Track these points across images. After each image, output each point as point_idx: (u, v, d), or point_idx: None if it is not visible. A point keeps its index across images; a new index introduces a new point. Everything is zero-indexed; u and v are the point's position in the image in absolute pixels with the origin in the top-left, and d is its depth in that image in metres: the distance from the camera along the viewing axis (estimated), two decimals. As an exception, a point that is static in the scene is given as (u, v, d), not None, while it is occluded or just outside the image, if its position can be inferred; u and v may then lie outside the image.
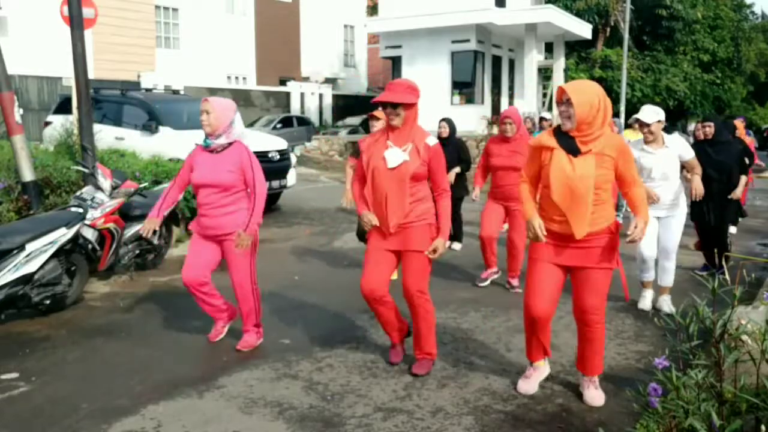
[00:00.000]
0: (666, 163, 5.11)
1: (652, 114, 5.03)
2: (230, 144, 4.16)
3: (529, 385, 3.72)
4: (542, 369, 3.81)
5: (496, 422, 3.34)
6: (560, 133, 3.35)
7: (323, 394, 3.67)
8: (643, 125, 5.06)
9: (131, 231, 6.14)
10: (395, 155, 3.70)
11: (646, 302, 5.42)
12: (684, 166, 5.35)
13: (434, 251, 3.71)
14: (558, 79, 23.35)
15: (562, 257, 3.44)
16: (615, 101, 24.74)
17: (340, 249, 7.74)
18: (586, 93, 3.24)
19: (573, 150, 3.29)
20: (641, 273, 5.48)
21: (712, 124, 6.49)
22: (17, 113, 6.26)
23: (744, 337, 2.69)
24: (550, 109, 23.29)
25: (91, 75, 6.87)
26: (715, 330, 2.47)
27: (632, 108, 24.65)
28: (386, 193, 3.71)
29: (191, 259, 4.30)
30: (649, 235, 5.27)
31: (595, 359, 3.58)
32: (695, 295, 2.64)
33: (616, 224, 3.41)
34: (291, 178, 10.38)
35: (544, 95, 24.66)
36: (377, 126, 6.01)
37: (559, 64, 23.41)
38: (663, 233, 5.26)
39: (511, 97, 23.41)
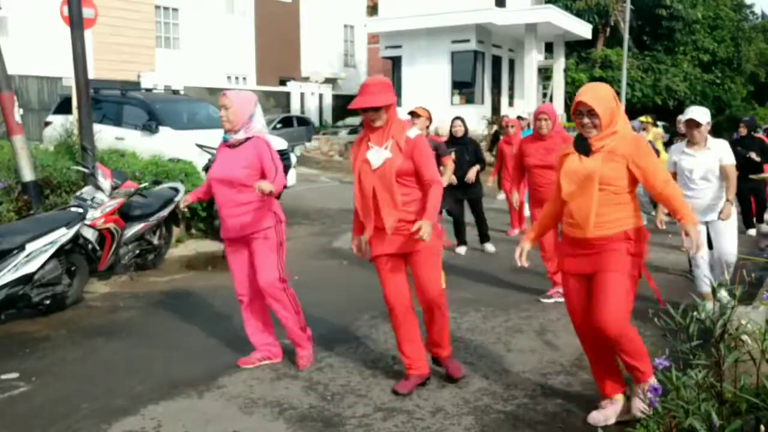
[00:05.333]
0: (707, 165, 5.03)
1: (703, 115, 4.99)
2: (248, 139, 3.90)
3: (602, 415, 3.32)
4: (618, 403, 3.37)
5: (496, 422, 3.34)
6: (578, 139, 3.26)
7: (323, 394, 3.67)
8: (693, 125, 4.99)
9: (131, 231, 6.14)
10: (377, 155, 3.56)
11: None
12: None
13: (419, 231, 3.34)
14: (558, 79, 23.36)
15: (580, 266, 3.25)
16: (615, 101, 24.70)
17: (340, 249, 7.73)
18: (606, 99, 3.14)
19: (585, 151, 3.20)
20: (698, 283, 5.16)
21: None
22: (17, 113, 6.27)
23: (744, 337, 2.69)
24: (550, 108, 23.27)
25: (91, 75, 6.87)
26: (715, 330, 2.47)
27: (632, 108, 24.64)
28: (376, 196, 3.56)
29: (235, 274, 4.12)
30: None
31: (635, 366, 3.18)
32: (695, 295, 2.63)
33: (636, 230, 3.17)
34: (291, 178, 10.39)
35: (544, 95, 24.66)
36: (418, 124, 5.96)
37: (559, 64, 23.42)
38: (716, 239, 5.09)
39: (511, 97, 23.42)
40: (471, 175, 7.21)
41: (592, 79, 27.25)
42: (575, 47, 27.30)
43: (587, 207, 3.15)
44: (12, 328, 4.84)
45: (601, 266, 3.15)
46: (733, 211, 5.17)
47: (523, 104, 21.45)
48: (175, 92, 11.93)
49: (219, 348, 4.41)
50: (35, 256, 4.84)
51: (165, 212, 6.45)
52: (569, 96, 26.64)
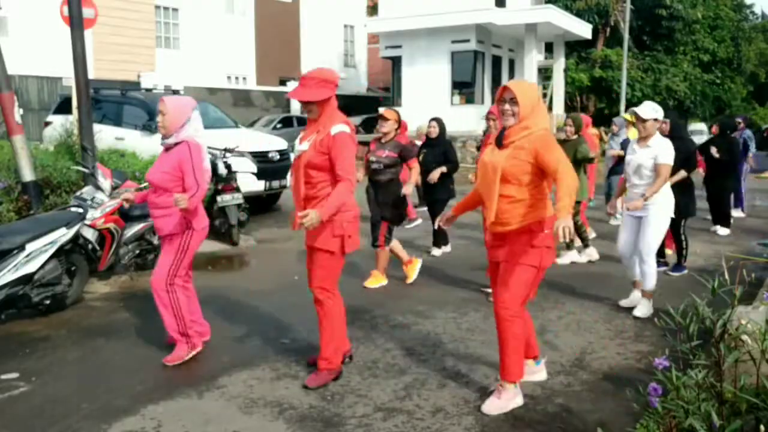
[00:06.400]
0: (639, 162, 5.12)
1: (649, 111, 5.06)
2: (177, 144, 4.08)
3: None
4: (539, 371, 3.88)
5: (496, 422, 3.34)
6: (501, 131, 3.49)
7: (323, 394, 3.67)
8: (638, 119, 5.10)
9: (131, 231, 6.14)
10: (298, 147, 3.75)
11: (627, 300, 5.41)
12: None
13: (305, 217, 3.42)
14: (558, 79, 23.36)
15: (495, 254, 3.56)
16: (615, 101, 24.78)
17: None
18: (529, 94, 3.36)
19: (499, 142, 3.44)
20: (627, 271, 5.52)
21: (668, 120, 6.79)
22: (17, 113, 6.27)
23: (744, 337, 2.69)
24: (550, 109, 23.29)
25: (91, 75, 6.87)
26: (715, 330, 2.47)
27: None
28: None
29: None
30: (625, 231, 5.29)
31: (504, 361, 3.44)
32: (695, 295, 2.64)
33: (540, 223, 3.35)
34: (291, 178, 10.37)
35: (544, 95, 24.65)
36: (385, 127, 5.96)
37: (559, 64, 23.42)
38: (640, 232, 5.21)
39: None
40: (434, 176, 6.95)
41: (593, 79, 27.30)
42: (575, 47, 27.31)
43: (491, 198, 3.38)
44: (12, 328, 4.84)
45: (505, 257, 3.44)
46: (663, 212, 5.17)
47: (523, 104, 21.38)
48: (175, 92, 11.89)
49: (219, 348, 4.41)
50: (35, 256, 4.84)
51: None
52: (570, 96, 26.68)
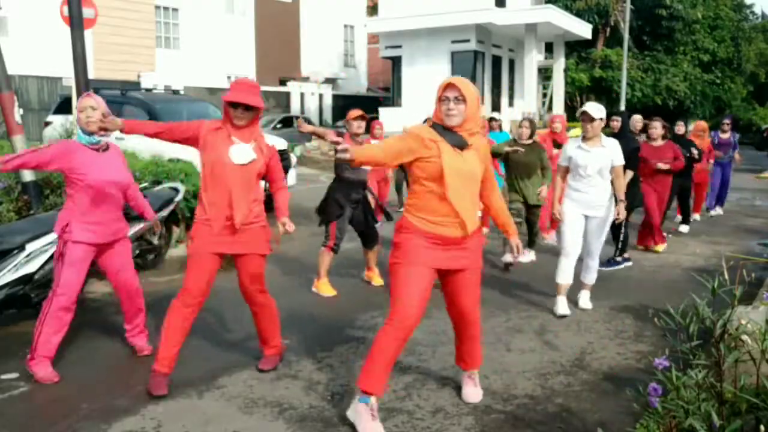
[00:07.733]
0: (600, 161, 5.14)
1: (597, 110, 5.11)
2: (108, 145, 4.11)
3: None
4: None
5: (496, 422, 3.34)
6: (442, 129, 3.18)
7: (323, 394, 3.67)
8: (587, 119, 5.11)
9: (131, 231, 6.13)
10: (244, 152, 3.63)
11: (559, 308, 5.17)
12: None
13: (285, 227, 3.83)
14: (558, 79, 23.36)
15: (439, 261, 3.26)
16: (615, 101, 24.78)
17: (340, 248, 7.72)
18: (474, 93, 3.21)
19: (461, 144, 3.17)
20: (559, 273, 5.21)
21: (619, 118, 6.99)
22: (17, 113, 6.26)
23: (744, 337, 2.69)
24: (550, 109, 23.30)
25: (91, 75, 6.87)
26: (715, 330, 2.47)
27: (632, 108, 24.66)
28: (231, 190, 3.59)
29: (81, 277, 4.02)
30: (575, 232, 5.17)
31: (476, 354, 3.66)
32: (695, 295, 2.64)
33: (481, 224, 3.55)
34: (291, 178, 10.37)
35: (544, 95, 24.67)
36: (363, 127, 5.87)
37: (559, 64, 23.43)
38: (589, 233, 5.23)
39: (511, 97, 23.43)
40: None
41: (593, 79, 27.29)
42: (575, 47, 27.32)
43: (472, 206, 3.28)
44: (12, 328, 4.84)
45: (466, 264, 3.36)
46: (611, 211, 5.23)
47: (523, 104, 21.47)
48: (175, 92, 11.92)
49: (219, 348, 4.41)
50: (35, 256, 4.83)
51: (165, 212, 6.45)
52: (570, 96, 26.68)
